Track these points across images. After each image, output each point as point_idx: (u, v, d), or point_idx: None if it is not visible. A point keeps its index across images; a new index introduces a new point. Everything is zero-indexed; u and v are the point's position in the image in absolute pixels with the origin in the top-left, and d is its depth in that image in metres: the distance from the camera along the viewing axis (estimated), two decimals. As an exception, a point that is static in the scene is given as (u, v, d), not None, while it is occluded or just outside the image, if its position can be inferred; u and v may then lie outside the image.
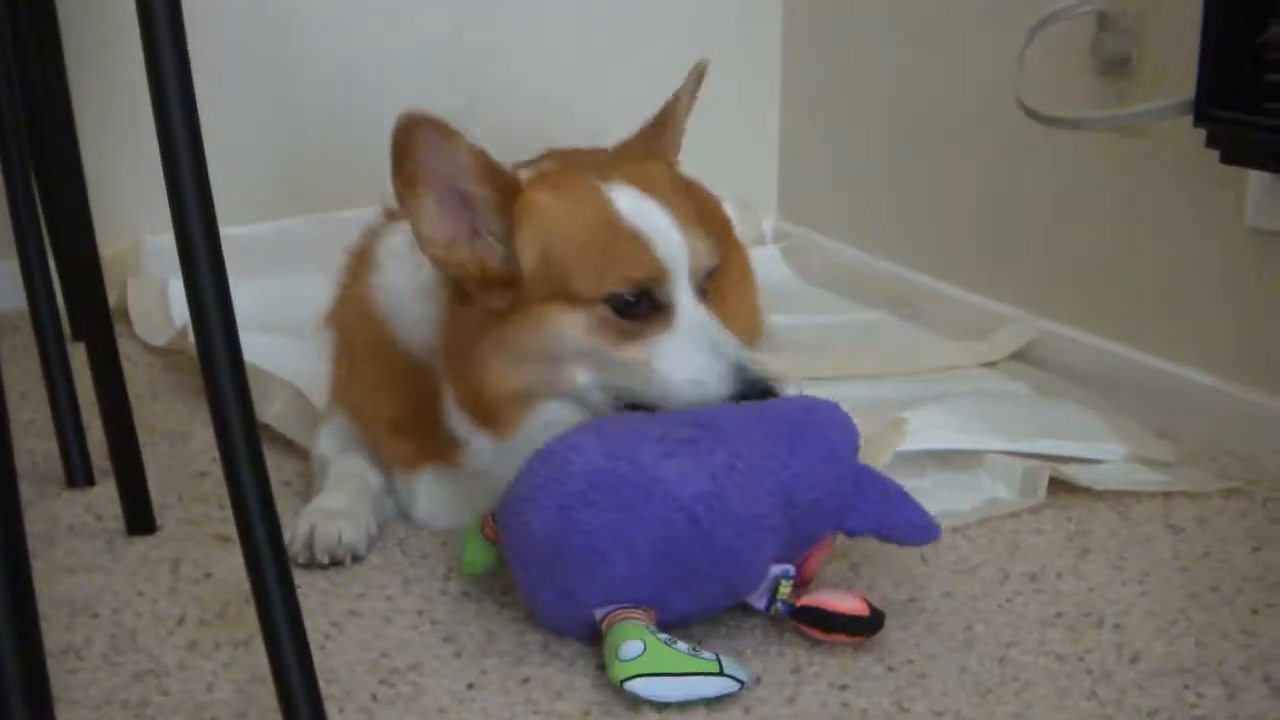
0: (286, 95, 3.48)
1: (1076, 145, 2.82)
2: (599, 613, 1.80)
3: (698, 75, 2.24)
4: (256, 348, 2.03)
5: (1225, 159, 2.39)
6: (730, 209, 3.69)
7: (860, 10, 3.52)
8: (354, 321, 2.26)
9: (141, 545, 2.19)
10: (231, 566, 2.01)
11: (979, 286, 3.16)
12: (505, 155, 2.09)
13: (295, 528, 2.07)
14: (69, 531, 2.24)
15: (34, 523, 2.20)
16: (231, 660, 1.86)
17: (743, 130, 3.82)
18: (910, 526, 1.97)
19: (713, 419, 1.91)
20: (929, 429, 2.37)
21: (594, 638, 1.83)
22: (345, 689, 1.80)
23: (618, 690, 1.72)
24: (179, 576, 2.09)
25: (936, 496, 2.30)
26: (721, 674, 1.74)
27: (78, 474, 2.39)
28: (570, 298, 2.00)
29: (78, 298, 2.27)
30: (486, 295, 2.03)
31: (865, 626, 1.86)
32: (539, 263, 2.01)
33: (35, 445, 2.51)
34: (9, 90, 2.53)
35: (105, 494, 2.32)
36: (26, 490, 2.30)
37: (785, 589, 1.87)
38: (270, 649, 1.56)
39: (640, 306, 1.98)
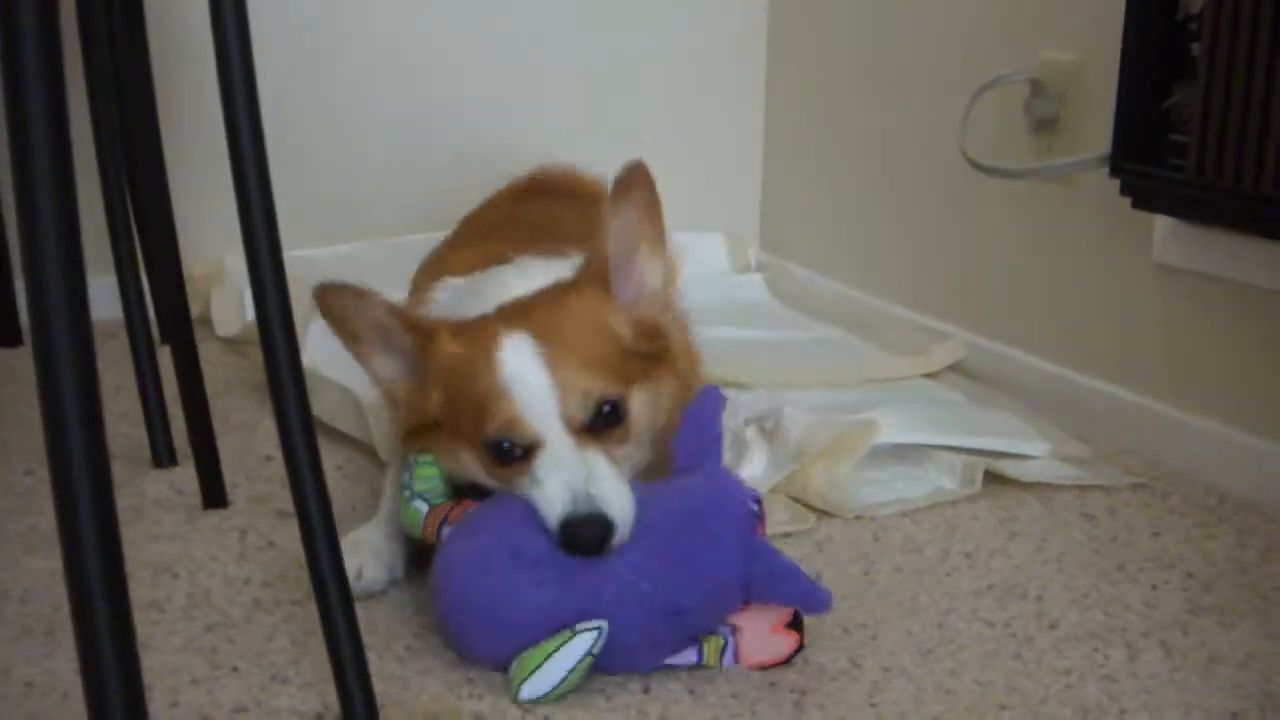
0: (353, 131, 3.49)
1: (1011, 191, 2.83)
2: None
3: (617, 187, 1.91)
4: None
5: (1136, 205, 2.40)
6: (723, 240, 3.73)
7: (834, 73, 3.52)
8: None
9: (215, 518, 2.20)
10: (291, 537, 2.00)
11: (925, 309, 3.17)
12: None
13: None
14: (154, 505, 2.25)
15: (125, 497, 2.21)
16: (289, 615, 1.88)
17: (731, 173, 3.82)
18: (799, 598, 1.78)
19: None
20: (887, 427, 2.36)
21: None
22: (384, 640, 1.81)
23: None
24: (246, 544, 2.10)
25: (892, 486, 2.33)
26: (575, 633, 1.66)
27: (163, 456, 2.40)
28: (464, 438, 1.87)
29: (165, 307, 2.28)
30: (424, 429, 1.94)
31: (799, 652, 1.79)
32: (441, 409, 1.90)
33: (128, 431, 2.50)
34: (109, 130, 2.54)
35: (185, 474, 2.33)
36: (119, 470, 2.30)
37: (713, 659, 1.76)
38: (321, 606, 1.57)
39: (513, 451, 1.81)
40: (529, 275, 2.04)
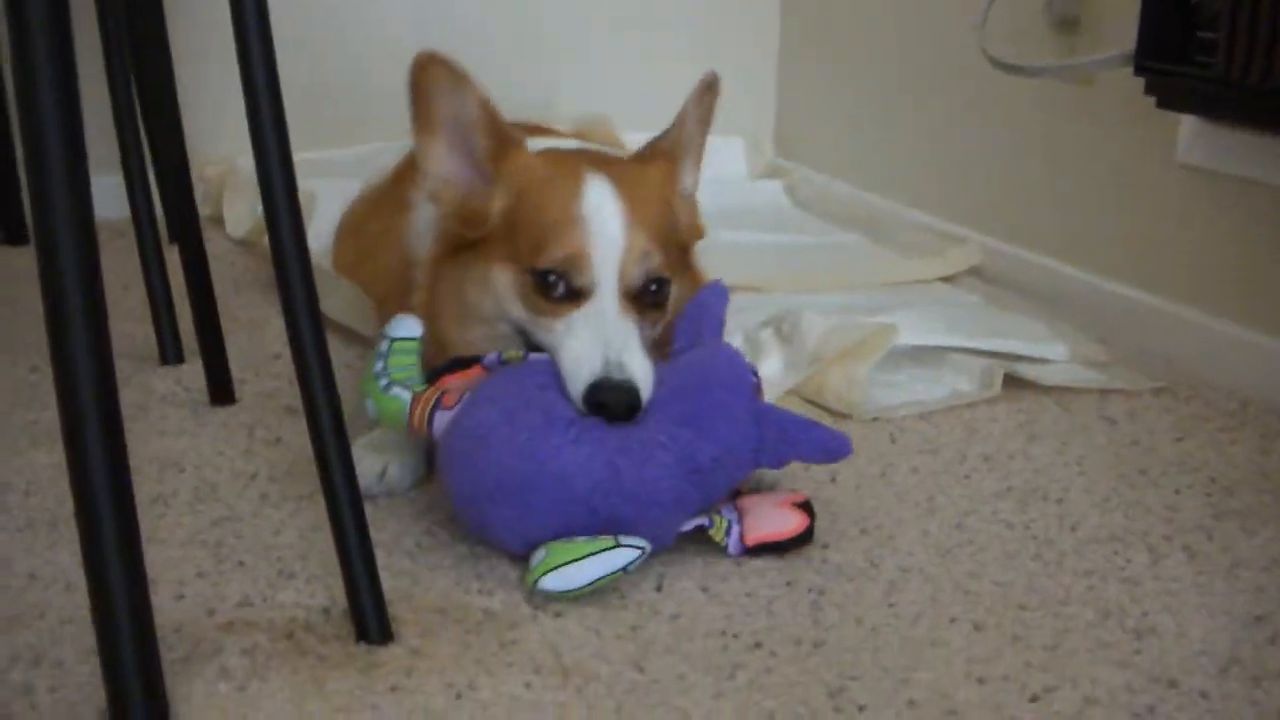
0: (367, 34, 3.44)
1: (1031, 93, 2.79)
2: None
3: (704, 87, 2.00)
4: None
5: (1161, 104, 2.35)
6: (741, 145, 3.69)
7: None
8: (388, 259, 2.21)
9: (222, 414, 2.17)
10: (298, 432, 1.98)
11: (943, 213, 3.14)
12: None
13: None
14: (161, 400, 2.22)
15: (131, 393, 2.20)
16: (296, 511, 1.84)
17: (746, 77, 3.77)
18: (818, 447, 1.77)
19: None
20: (905, 329, 2.33)
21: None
22: (393, 536, 1.77)
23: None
24: (254, 440, 2.07)
25: (910, 389, 2.30)
26: (619, 545, 1.62)
27: (170, 353, 2.38)
28: (514, 259, 1.84)
29: (173, 206, 2.26)
30: (460, 242, 1.91)
31: (809, 536, 1.77)
32: (501, 220, 1.87)
33: (135, 329, 2.48)
34: (117, 31, 2.53)
35: (193, 370, 2.30)
36: (126, 366, 2.31)
37: (719, 536, 1.73)
38: (329, 501, 1.53)
39: (558, 287, 1.79)
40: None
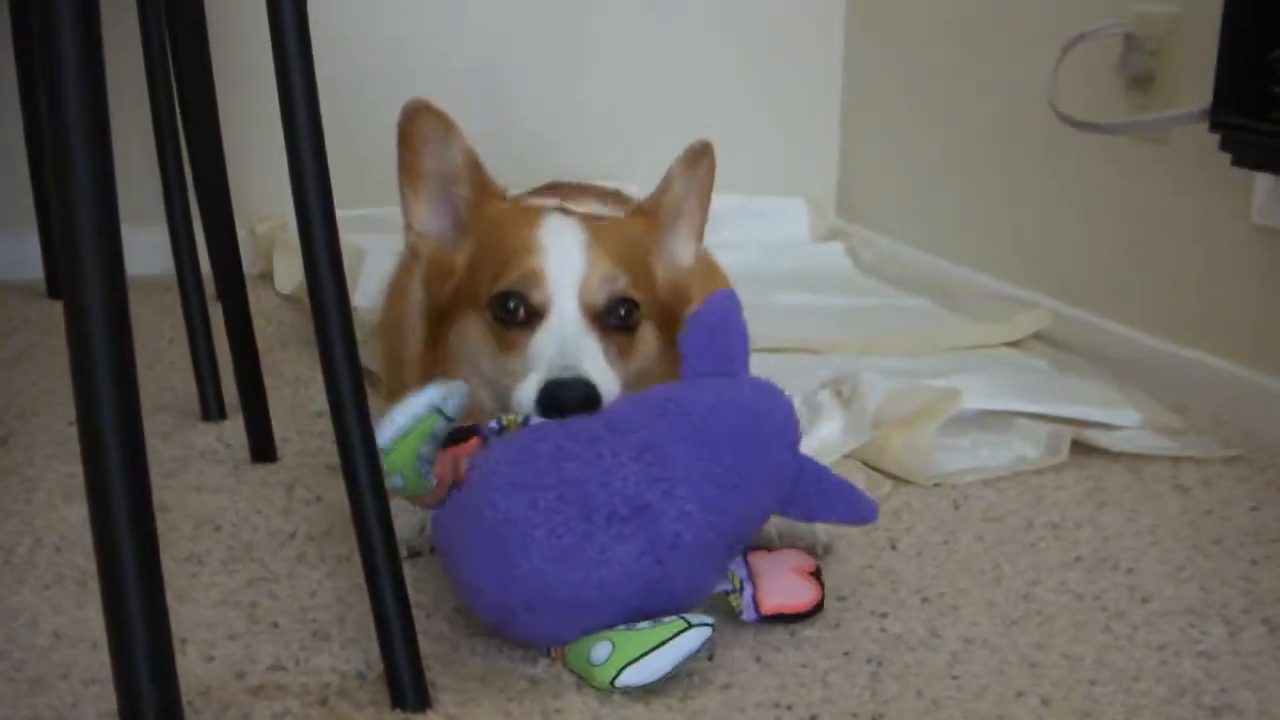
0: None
1: (1101, 152, 2.74)
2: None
3: (691, 155, 1.88)
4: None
5: (1236, 162, 2.30)
6: (804, 206, 3.65)
7: (914, 32, 3.45)
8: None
9: (262, 471, 2.13)
10: (339, 492, 1.91)
11: (1009, 277, 3.08)
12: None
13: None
14: (201, 456, 2.18)
15: (171, 448, 2.18)
16: (334, 571, 1.79)
17: (809, 140, 3.75)
18: (850, 509, 1.72)
19: (667, 460, 1.56)
20: (970, 393, 2.27)
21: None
22: (432, 598, 1.72)
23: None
24: (293, 499, 2.03)
25: (974, 454, 2.24)
26: (691, 627, 1.52)
27: (212, 409, 2.35)
28: (475, 304, 1.78)
29: (219, 262, 2.24)
30: (440, 297, 1.85)
31: (820, 608, 1.70)
32: (467, 264, 1.82)
33: (178, 383, 2.46)
34: (164, 87, 2.52)
35: (234, 427, 2.27)
36: (168, 420, 2.30)
37: (735, 603, 1.65)
38: (366, 562, 1.48)
39: (518, 312, 1.73)
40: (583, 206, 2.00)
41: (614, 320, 1.76)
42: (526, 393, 1.66)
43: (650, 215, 1.90)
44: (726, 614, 1.66)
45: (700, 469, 1.57)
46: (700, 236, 1.95)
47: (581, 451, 1.56)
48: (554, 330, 1.71)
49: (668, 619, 1.54)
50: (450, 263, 1.84)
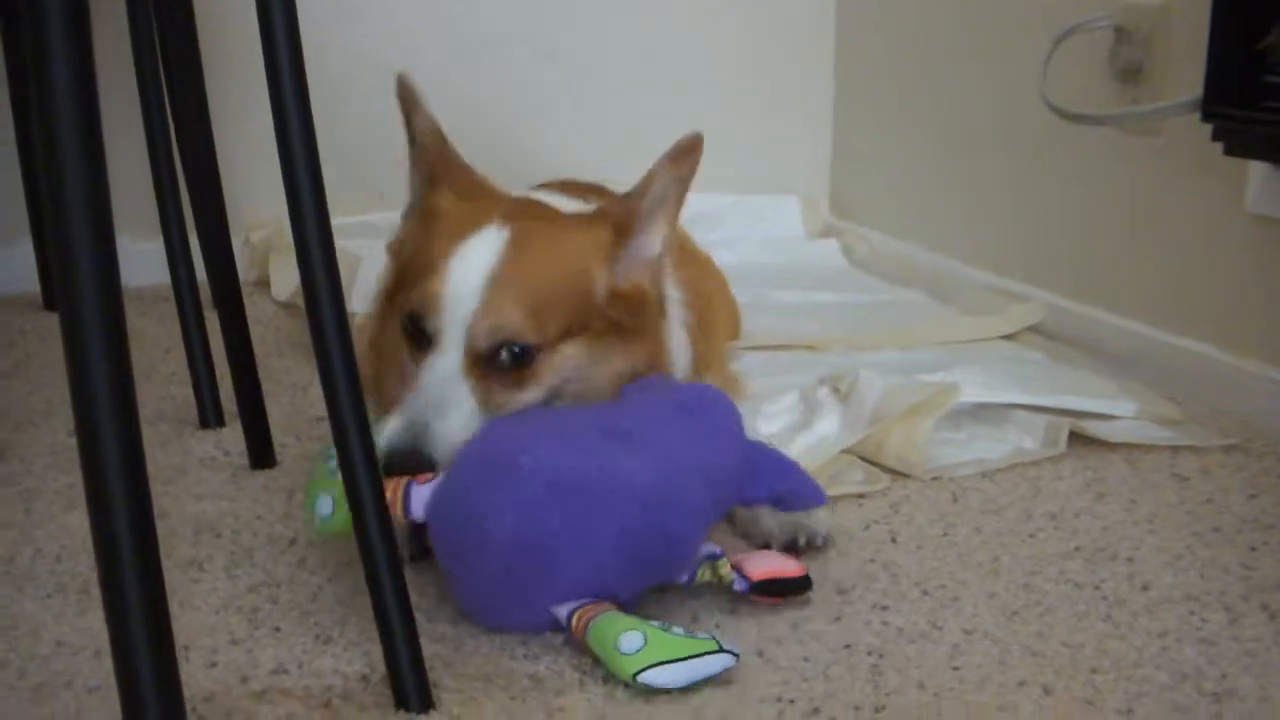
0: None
1: (1094, 144, 2.74)
2: (563, 610, 1.60)
3: (679, 150, 1.86)
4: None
5: (1229, 151, 2.30)
6: (799, 205, 3.65)
7: (905, 27, 3.45)
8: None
9: (262, 477, 2.13)
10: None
11: (1004, 270, 3.08)
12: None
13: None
14: (199, 464, 2.18)
15: (170, 456, 2.18)
16: (335, 575, 1.79)
17: (800, 141, 3.75)
18: (797, 494, 1.82)
19: (632, 417, 1.72)
20: (968, 386, 2.27)
21: (544, 628, 1.63)
22: (434, 600, 1.72)
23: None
24: (293, 504, 2.02)
25: (970, 447, 2.24)
26: (720, 650, 1.54)
27: (210, 416, 2.35)
28: (398, 306, 1.80)
29: (215, 273, 2.24)
30: (388, 279, 1.89)
31: (808, 583, 1.71)
32: (407, 254, 1.85)
33: (175, 392, 2.46)
34: (156, 97, 2.52)
35: (233, 434, 2.27)
36: (166, 429, 2.29)
37: (725, 570, 1.67)
38: (367, 565, 1.48)
39: (420, 336, 1.74)
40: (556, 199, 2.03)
41: (504, 361, 1.75)
42: (380, 440, 1.65)
43: (614, 224, 1.86)
44: (729, 611, 1.68)
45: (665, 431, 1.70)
46: (673, 224, 1.92)
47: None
48: (432, 371, 1.73)
49: (702, 634, 1.55)
50: (399, 248, 1.87)
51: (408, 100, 1.87)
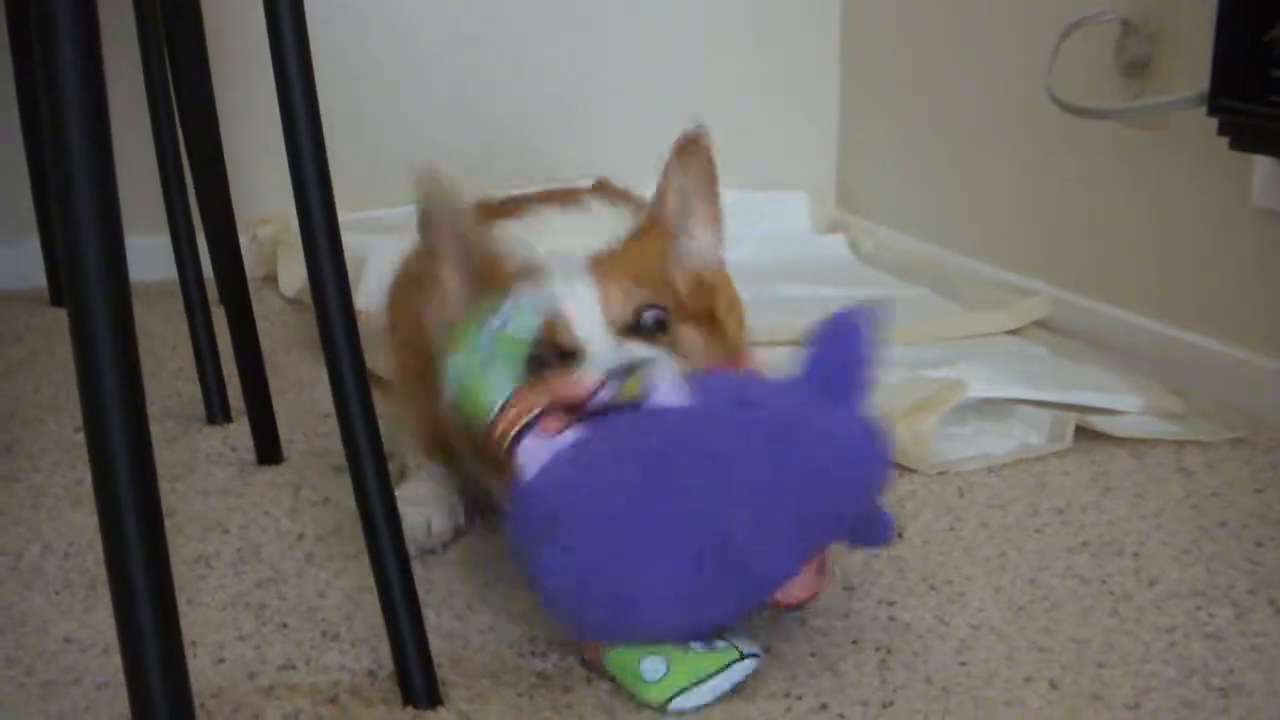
0: (415, 93, 3.42)
1: (1099, 139, 2.74)
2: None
3: (678, 149, 1.78)
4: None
5: (1234, 145, 2.29)
6: (805, 200, 3.64)
7: (910, 21, 3.44)
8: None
9: (269, 473, 2.13)
10: (346, 492, 1.92)
11: (1010, 265, 3.08)
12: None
13: None
14: (207, 460, 2.18)
15: (177, 452, 2.18)
16: (343, 571, 1.80)
17: (807, 136, 3.75)
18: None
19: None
20: (974, 382, 2.27)
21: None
22: (442, 596, 1.72)
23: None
24: (300, 500, 2.03)
25: (976, 442, 2.24)
26: (743, 657, 1.50)
27: (217, 413, 2.35)
28: None
29: (222, 268, 2.25)
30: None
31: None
32: None
33: (182, 388, 2.47)
34: (163, 93, 2.53)
35: (239, 430, 2.27)
36: (173, 426, 2.30)
37: None
38: (375, 561, 1.49)
39: (549, 360, 1.60)
40: (597, 218, 1.88)
41: (649, 328, 1.66)
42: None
43: (657, 226, 1.78)
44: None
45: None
46: (718, 218, 1.85)
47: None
48: (598, 361, 1.59)
49: (720, 644, 1.52)
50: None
51: (444, 192, 1.72)
